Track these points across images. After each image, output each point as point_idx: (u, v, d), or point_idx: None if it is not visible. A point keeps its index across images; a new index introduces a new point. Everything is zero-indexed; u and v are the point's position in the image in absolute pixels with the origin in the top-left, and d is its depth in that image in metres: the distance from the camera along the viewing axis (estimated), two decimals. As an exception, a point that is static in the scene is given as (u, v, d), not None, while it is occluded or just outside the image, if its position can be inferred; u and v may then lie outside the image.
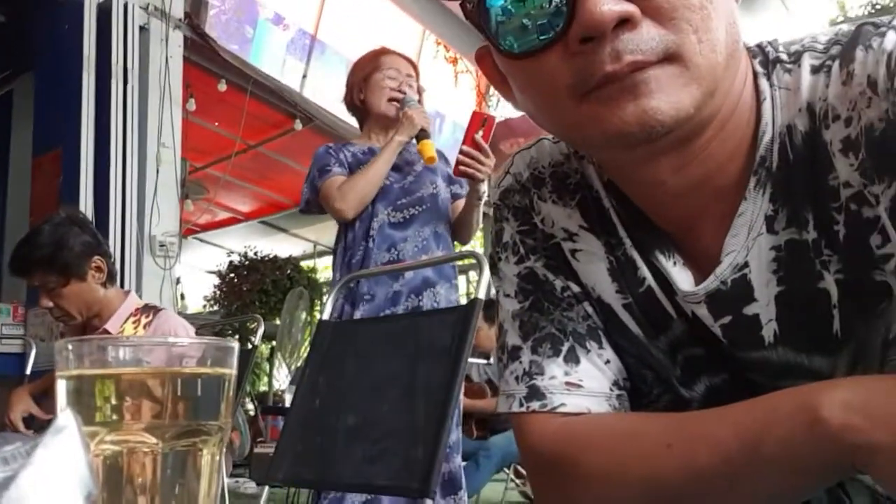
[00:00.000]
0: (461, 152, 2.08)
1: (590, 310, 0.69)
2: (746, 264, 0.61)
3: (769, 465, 0.50)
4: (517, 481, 4.51)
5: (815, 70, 0.59)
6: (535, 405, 0.66)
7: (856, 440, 0.46)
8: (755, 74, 0.62)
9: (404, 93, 2.26)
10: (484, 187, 2.18)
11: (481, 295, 1.49)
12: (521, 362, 0.68)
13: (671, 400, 0.69)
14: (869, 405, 0.47)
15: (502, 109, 9.34)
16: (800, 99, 0.59)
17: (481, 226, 2.36)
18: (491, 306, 4.46)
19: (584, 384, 0.66)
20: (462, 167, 2.09)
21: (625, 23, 0.52)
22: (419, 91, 2.35)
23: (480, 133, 2.09)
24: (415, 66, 2.41)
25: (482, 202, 2.22)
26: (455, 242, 2.37)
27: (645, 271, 0.66)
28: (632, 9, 0.52)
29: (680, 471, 0.55)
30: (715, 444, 0.53)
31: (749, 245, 0.60)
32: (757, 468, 0.51)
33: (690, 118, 0.55)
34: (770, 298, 0.61)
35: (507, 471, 4.25)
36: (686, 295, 0.63)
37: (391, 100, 2.26)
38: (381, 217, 2.19)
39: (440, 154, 2.28)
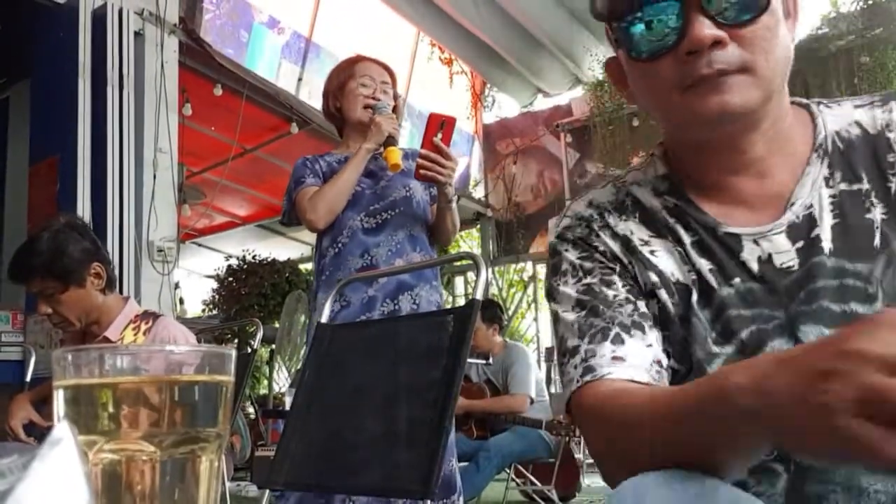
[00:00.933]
0: (420, 156, 2.07)
1: (640, 305, 0.87)
2: (811, 205, 0.85)
3: (700, 419, 0.65)
4: (518, 481, 4.52)
5: (858, 107, 0.90)
6: (587, 378, 0.82)
7: (741, 402, 0.59)
8: (805, 105, 0.92)
9: (378, 99, 2.26)
10: (452, 190, 2.16)
11: (479, 295, 1.49)
12: (579, 355, 0.85)
13: (703, 356, 0.85)
14: (759, 375, 0.58)
15: (497, 110, 9.36)
16: (848, 119, 0.89)
17: (457, 229, 2.32)
18: (488, 307, 4.47)
19: (627, 359, 0.82)
20: (423, 171, 2.08)
21: (717, 43, 0.78)
22: (395, 98, 2.35)
23: (440, 136, 2.07)
24: (391, 73, 2.40)
25: (452, 205, 2.20)
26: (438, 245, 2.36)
27: (695, 257, 0.87)
28: (723, 34, 0.78)
29: (656, 419, 0.71)
30: (676, 403, 0.69)
31: (813, 195, 0.85)
32: (695, 419, 0.65)
33: (754, 112, 0.81)
34: (828, 226, 0.84)
35: (508, 470, 4.25)
36: (773, 228, 0.85)
37: (366, 107, 2.26)
38: (353, 223, 2.18)
39: (413, 155, 2.28)
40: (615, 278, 0.89)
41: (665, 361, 0.85)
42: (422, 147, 2.08)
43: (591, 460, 6.82)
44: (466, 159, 9.03)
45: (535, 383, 4.29)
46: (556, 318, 0.91)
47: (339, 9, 7.21)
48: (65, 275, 2.03)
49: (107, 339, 2.10)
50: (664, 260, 0.89)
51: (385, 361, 1.66)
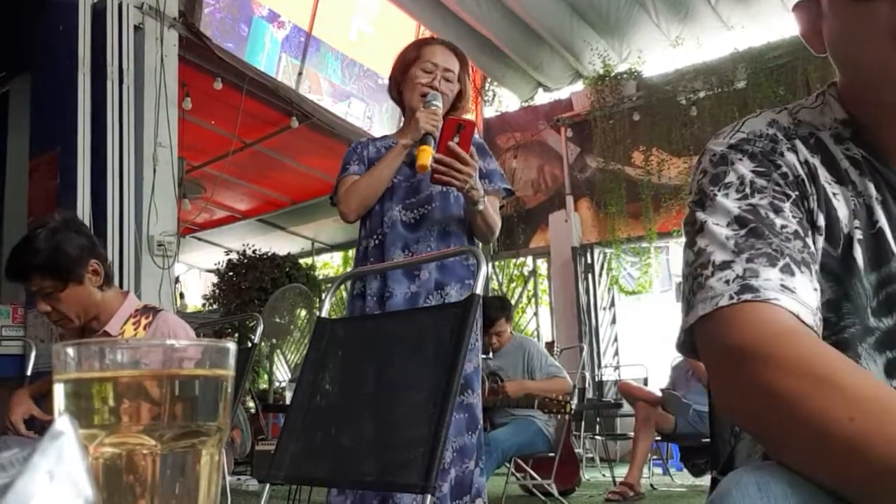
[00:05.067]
0: (435, 160, 2.02)
1: (809, 243, 0.75)
2: None
3: None
4: (518, 475, 4.52)
5: None
6: (747, 296, 0.68)
7: None
8: None
9: (435, 89, 2.19)
10: (477, 193, 2.09)
11: (479, 290, 1.49)
12: (732, 270, 0.71)
13: (856, 331, 0.76)
14: None
15: (498, 104, 9.35)
16: None
17: (493, 229, 2.23)
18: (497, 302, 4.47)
19: (797, 291, 0.69)
20: (437, 175, 2.03)
21: None
22: (461, 82, 2.27)
23: (456, 139, 2.02)
24: (459, 56, 2.30)
25: (478, 207, 2.11)
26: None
27: (879, 214, 0.78)
28: None
29: (857, 439, 0.57)
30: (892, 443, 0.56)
31: None
32: None
33: None
34: None
35: (508, 465, 4.26)
36: None
37: (422, 95, 2.19)
38: (392, 215, 2.16)
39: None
40: (787, 206, 0.76)
41: (820, 313, 0.73)
42: (437, 151, 2.03)
43: (591, 454, 6.85)
44: (467, 154, 9.01)
45: None
46: (699, 230, 0.77)
47: (339, 2, 7.19)
48: (63, 273, 2.03)
49: (107, 334, 2.10)
50: (842, 206, 0.79)
51: (385, 356, 1.66)
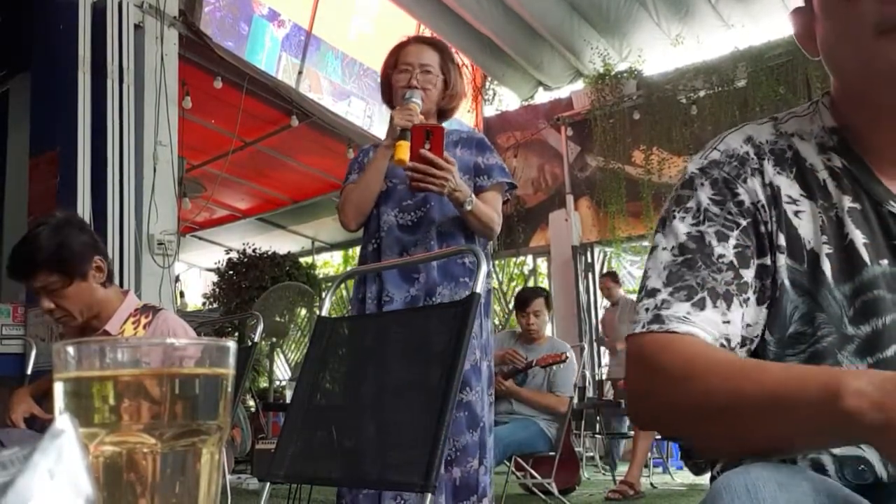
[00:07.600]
0: (408, 169, 2.01)
1: (745, 273, 0.82)
2: None
3: (797, 420, 0.65)
4: (518, 474, 4.53)
5: None
6: (654, 327, 0.79)
7: (862, 421, 0.59)
8: None
9: (414, 87, 2.18)
10: (462, 195, 2.06)
11: (479, 289, 1.49)
12: (655, 299, 0.81)
13: (834, 340, 0.80)
14: (880, 393, 0.59)
15: (498, 103, 9.35)
16: None
17: (490, 226, 2.21)
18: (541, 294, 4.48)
19: (697, 323, 0.78)
20: (414, 183, 2.02)
21: None
22: (445, 73, 2.25)
23: (427, 146, 2.00)
24: (437, 47, 2.29)
25: (465, 207, 2.08)
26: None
27: (850, 227, 0.81)
28: None
29: (731, 396, 0.70)
30: (760, 389, 0.68)
31: None
32: (784, 418, 0.66)
33: None
34: None
35: (508, 463, 4.26)
36: None
37: (402, 96, 2.19)
38: (388, 219, 2.16)
39: (463, 142, 2.23)
40: (734, 234, 0.82)
41: (736, 341, 0.81)
42: (410, 160, 2.01)
43: (591, 453, 6.85)
44: (467, 153, 9.01)
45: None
46: (653, 250, 0.86)
47: (340, 1, 7.19)
48: (69, 268, 2.02)
49: (107, 333, 2.09)
50: (805, 224, 0.83)
51: (385, 355, 1.66)
